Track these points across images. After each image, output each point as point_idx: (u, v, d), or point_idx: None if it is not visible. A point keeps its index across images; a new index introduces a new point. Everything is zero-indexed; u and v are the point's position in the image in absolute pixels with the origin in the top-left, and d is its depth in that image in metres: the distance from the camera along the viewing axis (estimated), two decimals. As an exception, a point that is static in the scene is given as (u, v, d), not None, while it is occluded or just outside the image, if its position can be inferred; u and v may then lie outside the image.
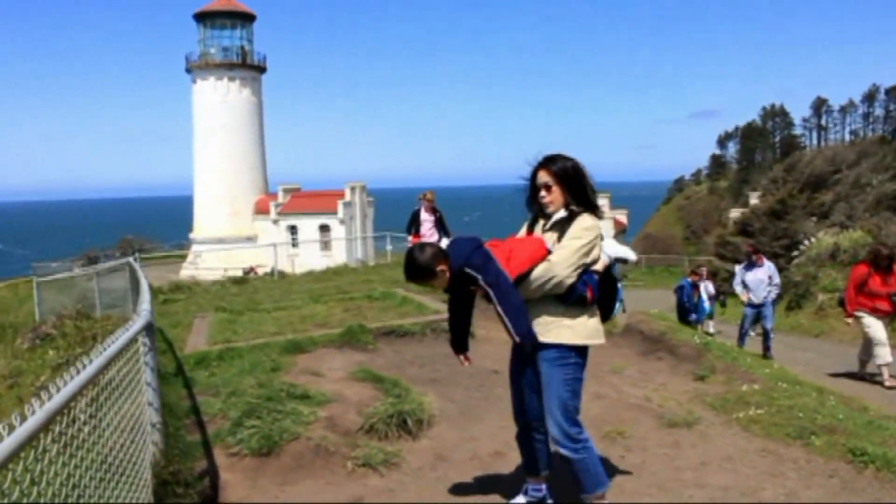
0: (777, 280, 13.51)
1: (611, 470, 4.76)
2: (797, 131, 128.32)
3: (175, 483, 4.24)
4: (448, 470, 5.02)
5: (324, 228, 43.74)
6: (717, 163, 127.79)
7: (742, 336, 13.71)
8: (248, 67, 45.79)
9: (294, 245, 42.42)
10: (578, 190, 3.86)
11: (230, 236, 43.80)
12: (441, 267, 3.76)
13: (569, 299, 3.78)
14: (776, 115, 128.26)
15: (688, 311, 15.63)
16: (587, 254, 3.79)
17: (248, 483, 4.70)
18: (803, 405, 6.20)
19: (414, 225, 13.25)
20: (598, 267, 3.89)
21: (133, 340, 3.87)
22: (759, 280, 13.11)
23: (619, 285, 4.09)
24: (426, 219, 13.30)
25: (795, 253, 24.57)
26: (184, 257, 47.12)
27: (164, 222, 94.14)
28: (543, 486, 4.29)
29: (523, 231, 4.11)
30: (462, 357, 4.19)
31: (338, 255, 38.58)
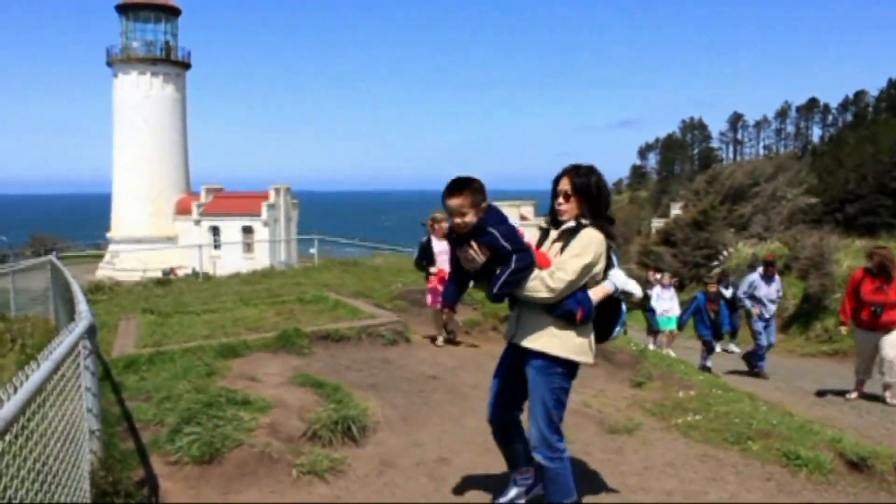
0: (781, 294, 12.81)
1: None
2: (714, 144, 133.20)
3: (115, 493, 4.06)
4: (395, 476, 4.97)
5: (247, 230, 42.93)
6: (638, 173, 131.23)
7: (762, 355, 12.42)
8: (171, 63, 44.68)
9: (216, 246, 41.54)
10: (595, 203, 3.88)
11: (150, 236, 42.59)
12: (484, 205, 3.74)
13: (555, 311, 3.79)
14: (695, 127, 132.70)
15: (711, 330, 12.95)
16: (585, 272, 3.79)
17: (189, 492, 4.54)
18: (739, 411, 6.37)
19: (426, 258, 9.68)
20: (600, 294, 3.90)
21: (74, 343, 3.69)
22: (772, 294, 12.33)
23: (623, 308, 4.11)
24: (441, 250, 9.41)
25: (715, 263, 25.36)
26: (100, 257, 45.62)
27: (78, 220, 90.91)
28: (531, 474, 4.30)
29: (536, 239, 4.11)
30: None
31: (261, 258, 37.89)
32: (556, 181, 3.95)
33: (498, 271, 3.71)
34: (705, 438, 5.77)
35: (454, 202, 3.71)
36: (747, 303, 12.48)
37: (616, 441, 5.72)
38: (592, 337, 3.97)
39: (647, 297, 15.07)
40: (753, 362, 12.55)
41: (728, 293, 14.48)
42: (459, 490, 4.71)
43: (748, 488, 4.89)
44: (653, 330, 15.09)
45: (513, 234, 3.72)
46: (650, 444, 5.67)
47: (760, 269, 12.61)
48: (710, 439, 5.74)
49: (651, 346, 14.22)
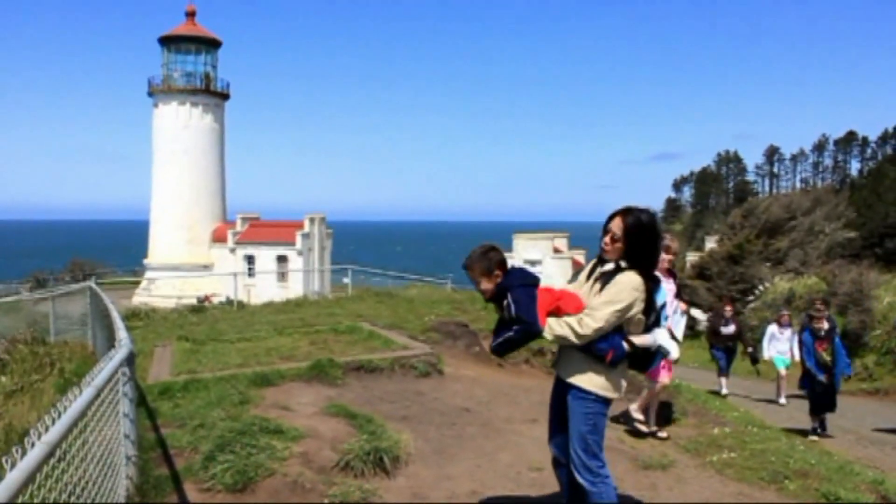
0: None
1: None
2: (750, 177, 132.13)
3: (149, 519, 4.10)
4: (426, 509, 4.94)
5: (281, 259, 43.25)
6: (673, 206, 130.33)
7: None
8: (211, 94, 45.39)
9: (251, 275, 41.88)
10: (640, 248, 3.95)
11: (186, 264, 43.03)
12: (497, 272, 3.98)
13: (588, 351, 3.93)
14: (730, 161, 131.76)
15: (816, 380, 10.18)
16: (617, 317, 3.88)
17: (222, 520, 4.57)
18: (775, 449, 6.27)
19: None
20: (638, 342, 4.00)
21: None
22: None
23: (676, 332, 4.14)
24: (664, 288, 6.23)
25: (751, 297, 25.05)
26: (136, 283, 46.13)
27: (115, 246, 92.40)
28: None
29: (587, 270, 4.24)
30: None
31: (294, 287, 38.12)
32: (609, 220, 4.04)
33: (503, 331, 3.99)
34: (741, 477, 5.68)
35: (469, 273, 4.07)
36: None
37: (650, 477, 5.65)
38: (622, 375, 4.07)
39: (716, 334, 13.84)
40: None
41: (826, 326, 12.76)
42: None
43: (786, 529, 4.80)
44: (723, 373, 13.71)
45: (525, 300, 3.89)
46: (684, 482, 5.59)
47: None
48: (746, 478, 5.65)
49: (723, 391, 13.12)
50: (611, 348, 3.90)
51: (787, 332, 13.36)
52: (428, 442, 6.30)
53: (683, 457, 6.19)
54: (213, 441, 5.53)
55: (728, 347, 13.82)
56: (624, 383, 4.11)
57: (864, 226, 48.37)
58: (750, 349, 14.09)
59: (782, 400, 13.20)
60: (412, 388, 8.26)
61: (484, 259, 3.99)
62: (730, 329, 13.75)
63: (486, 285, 3.99)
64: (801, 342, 10.68)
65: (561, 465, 4.30)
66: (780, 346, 13.41)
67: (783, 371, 13.28)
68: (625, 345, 3.95)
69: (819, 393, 10.14)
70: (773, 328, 13.69)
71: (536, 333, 3.90)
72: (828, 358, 10.14)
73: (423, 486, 5.32)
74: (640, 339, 4.02)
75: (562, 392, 4.14)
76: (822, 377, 10.07)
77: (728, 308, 14.12)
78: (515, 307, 3.87)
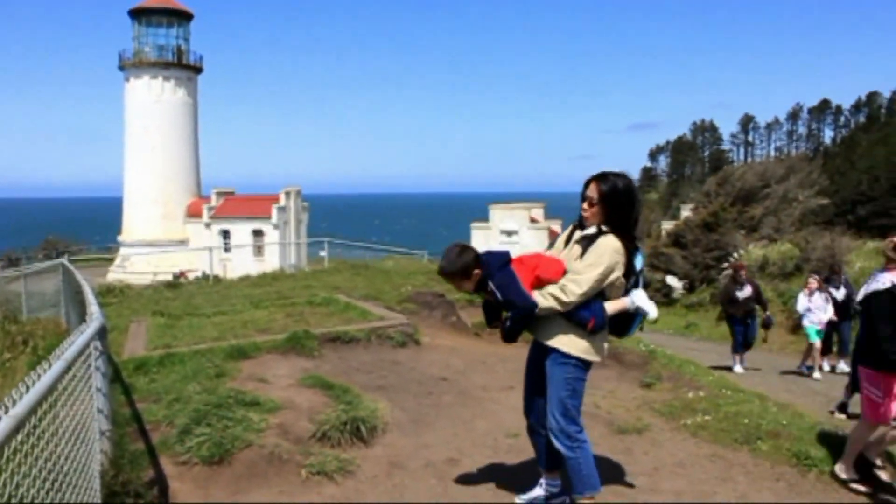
0: None
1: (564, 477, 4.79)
2: (725, 146, 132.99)
3: (124, 493, 4.09)
4: (404, 477, 4.97)
5: (257, 233, 42.98)
6: (648, 175, 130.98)
7: None
8: (183, 67, 44.73)
9: (226, 249, 41.63)
10: (618, 211, 3.96)
11: (161, 239, 42.68)
12: (477, 271, 4.00)
13: (569, 317, 3.96)
14: (706, 130, 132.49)
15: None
16: (599, 282, 3.92)
17: (199, 492, 4.56)
18: (748, 411, 6.35)
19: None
20: (617, 307, 4.04)
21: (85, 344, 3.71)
22: None
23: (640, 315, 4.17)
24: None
25: (725, 264, 25.28)
26: (110, 260, 45.73)
27: (89, 224, 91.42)
28: (559, 482, 4.41)
29: (564, 235, 4.26)
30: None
31: (271, 261, 37.96)
32: (585, 186, 4.05)
33: (504, 319, 4.12)
34: (714, 439, 5.76)
35: (448, 281, 4.13)
36: None
37: (625, 442, 5.72)
38: (603, 339, 4.12)
39: (732, 301, 12.69)
40: None
41: (840, 294, 12.34)
42: (469, 491, 4.72)
43: (758, 488, 4.88)
44: (739, 349, 12.73)
45: (509, 283, 3.94)
46: (659, 445, 5.66)
47: None
48: (720, 439, 5.73)
49: (737, 368, 12.38)
50: (592, 316, 3.94)
51: (818, 300, 12.50)
52: (405, 411, 6.32)
53: (658, 420, 6.26)
54: (188, 415, 5.52)
55: (747, 314, 12.69)
56: (606, 346, 4.17)
57: (836, 193, 49.01)
58: (767, 313, 13.03)
59: (817, 374, 12.39)
60: (389, 359, 8.28)
61: (459, 264, 3.99)
62: (746, 292, 12.63)
63: (469, 286, 4.04)
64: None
65: (536, 432, 4.34)
66: (812, 315, 12.49)
67: (817, 343, 12.37)
68: (606, 312, 3.98)
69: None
70: (803, 297, 12.73)
71: (532, 308, 3.93)
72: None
73: (401, 455, 5.35)
74: (617, 304, 4.05)
75: (540, 357, 4.16)
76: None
77: (742, 271, 13.05)
78: (503, 293, 3.92)
